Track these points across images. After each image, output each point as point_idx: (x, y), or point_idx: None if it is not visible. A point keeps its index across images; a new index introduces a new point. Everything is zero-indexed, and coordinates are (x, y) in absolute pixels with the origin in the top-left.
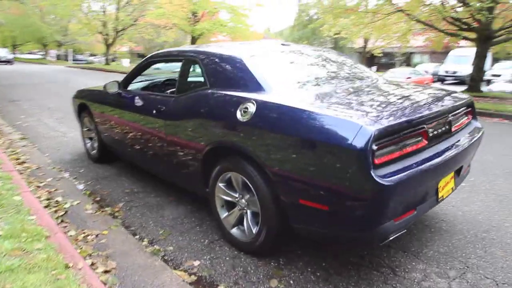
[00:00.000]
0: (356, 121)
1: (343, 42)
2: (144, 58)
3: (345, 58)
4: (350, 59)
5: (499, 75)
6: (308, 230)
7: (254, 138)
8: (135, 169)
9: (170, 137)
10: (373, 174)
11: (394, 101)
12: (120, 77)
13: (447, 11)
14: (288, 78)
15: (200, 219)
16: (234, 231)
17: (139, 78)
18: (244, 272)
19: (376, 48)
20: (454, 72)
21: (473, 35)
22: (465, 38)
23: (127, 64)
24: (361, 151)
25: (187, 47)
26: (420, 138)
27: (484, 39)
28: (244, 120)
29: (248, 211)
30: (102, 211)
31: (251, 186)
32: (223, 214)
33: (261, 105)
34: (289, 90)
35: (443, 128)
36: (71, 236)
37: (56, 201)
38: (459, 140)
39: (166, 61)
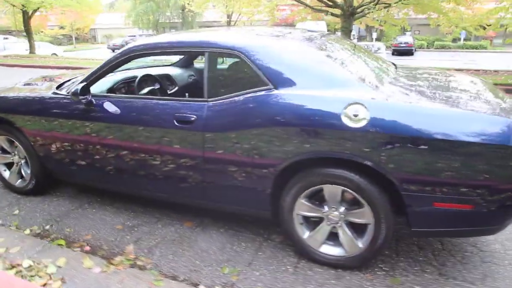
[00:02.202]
0: (504, 117)
1: (194, 14)
2: (122, 51)
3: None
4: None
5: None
6: (435, 232)
7: (374, 145)
8: (97, 194)
9: (211, 154)
10: None
11: (477, 92)
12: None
13: None
14: (366, 73)
15: (252, 242)
16: (325, 248)
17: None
18: None
19: (241, 22)
20: None
21: (337, 11)
22: (332, 14)
23: None
24: None
25: (203, 34)
26: None
27: (349, 15)
28: (358, 127)
29: (343, 224)
30: (115, 265)
31: (359, 197)
32: (306, 233)
33: (377, 107)
34: (381, 86)
35: None
36: None
37: (30, 266)
38: None
39: (163, 54)
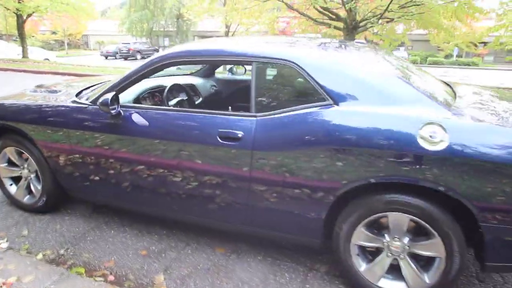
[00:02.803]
0: None
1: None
2: (154, 58)
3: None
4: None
5: None
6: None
7: (452, 170)
8: (113, 213)
9: (259, 174)
10: None
11: None
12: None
13: (318, 1)
14: (433, 89)
15: (296, 273)
16: (384, 283)
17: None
18: None
19: (239, 33)
20: None
21: (340, 24)
22: (335, 27)
23: None
24: None
25: (250, 43)
26: None
27: (351, 29)
28: (436, 149)
29: (407, 257)
30: None
31: (429, 227)
32: (362, 265)
33: (456, 128)
34: (452, 104)
35: None
36: None
37: None
38: None
39: (202, 63)
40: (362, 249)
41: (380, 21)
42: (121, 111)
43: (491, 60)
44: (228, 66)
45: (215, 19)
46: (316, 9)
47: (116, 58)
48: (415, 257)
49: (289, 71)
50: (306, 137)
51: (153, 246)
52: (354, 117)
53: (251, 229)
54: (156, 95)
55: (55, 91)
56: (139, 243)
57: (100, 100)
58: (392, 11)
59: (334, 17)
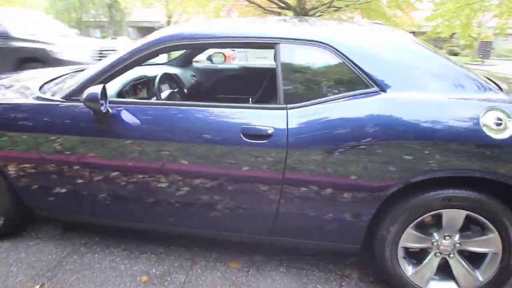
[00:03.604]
0: None
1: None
2: (148, 42)
3: None
4: None
5: None
6: None
7: None
8: (91, 232)
9: (294, 175)
10: None
11: None
12: None
13: None
14: (478, 73)
15: (328, 283)
16: (434, 285)
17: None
18: None
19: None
20: None
21: (290, 13)
22: (284, 16)
23: None
24: None
25: (272, 23)
26: None
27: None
28: (502, 138)
29: (457, 255)
30: None
31: (488, 223)
32: (409, 269)
33: None
34: (505, 89)
35: None
36: None
37: None
38: None
39: (210, 47)
40: (407, 251)
41: (328, 9)
42: (109, 108)
43: None
44: (208, 54)
45: (154, 8)
46: None
47: None
48: (465, 255)
49: (322, 55)
50: (350, 130)
51: (153, 268)
52: (406, 105)
53: (274, 239)
54: (138, 87)
55: (3, 86)
56: (135, 267)
57: (86, 94)
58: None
59: (283, 5)
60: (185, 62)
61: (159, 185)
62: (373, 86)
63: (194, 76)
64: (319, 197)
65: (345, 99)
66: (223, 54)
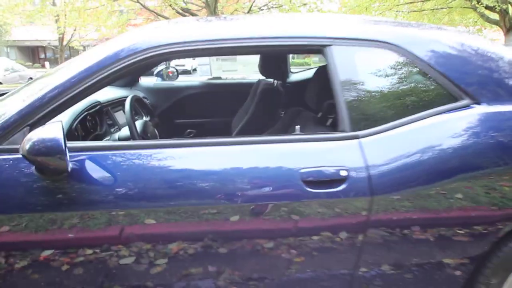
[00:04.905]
0: None
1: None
2: (125, 49)
3: None
4: None
5: None
6: None
7: None
8: None
9: (384, 222)
10: None
11: None
12: None
13: (178, 2)
14: None
15: None
16: None
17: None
18: None
19: (80, 39)
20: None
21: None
22: None
23: None
24: None
25: (321, 19)
26: None
27: None
28: None
29: None
30: None
31: None
32: None
33: None
34: None
35: None
36: None
37: None
38: None
39: (225, 54)
40: None
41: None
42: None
43: (317, 60)
44: (157, 70)
45: (41, 25)
46: (176, 11)
47: None
48: None
49: (388, 60)
50: (451, 154)
51: None
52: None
53: None
54: (91, 120)
55: None
56: None
57: (32, 141)
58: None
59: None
60: (130, 80)
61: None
62: (464, 99)
63: (146, 98)
64: (409, 244)
65: (433, 117)
66: (175, 68)
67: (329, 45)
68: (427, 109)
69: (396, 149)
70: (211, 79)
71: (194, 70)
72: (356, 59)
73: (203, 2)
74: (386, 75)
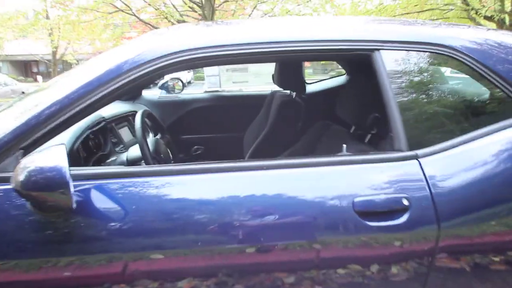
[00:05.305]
0: None
1: None
2: (135, 58)
3: None
4: None
5: None
6: None
7: None
8: None
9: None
10: None
11: None
12: None
13: (174, 15)
14: None
15: None
16: None
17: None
18: None
19: (73, 53)
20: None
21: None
22: None
23: None
24: None
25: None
26: None
27: None
28: None
29: None
30: None
31: None
32: None
33: None
34: None
35: None
36: None
37: None
38: None
39: (257, 61)
40: None
41: None
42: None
43: (311, 72)
44: (161, 82)
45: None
46: (172, 23)
47: None
48: None
49: (443, 66)
50: None
51: None
52: None
53: None
54: (93, 139)
55: None
56: None
57: (23, 173)
58: None
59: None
60: (132, 94)
61: None
62: None
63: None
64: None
65: (504, 130)
66: (180, 79)
67: (378, 49)
68: (496, 122)
69: (461, 169)
70: (214, 91)
71: (189, 83)
72: (410, 66)
73: (199, 14)
74: (443, 83)
